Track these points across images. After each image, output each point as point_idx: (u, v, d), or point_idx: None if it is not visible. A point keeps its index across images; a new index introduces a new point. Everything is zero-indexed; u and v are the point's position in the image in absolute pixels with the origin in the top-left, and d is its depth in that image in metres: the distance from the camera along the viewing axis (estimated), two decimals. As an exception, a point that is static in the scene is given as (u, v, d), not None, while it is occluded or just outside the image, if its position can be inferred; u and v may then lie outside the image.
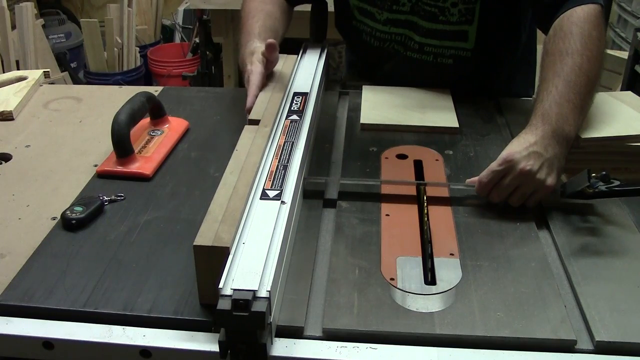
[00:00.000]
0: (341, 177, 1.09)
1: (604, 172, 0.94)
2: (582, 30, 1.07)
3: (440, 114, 1.29)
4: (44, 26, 3.40)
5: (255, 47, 1.19)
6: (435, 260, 0.88)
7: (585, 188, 0.94)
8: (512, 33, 1.37)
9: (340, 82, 1.48)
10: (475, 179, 1.00)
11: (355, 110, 1.32)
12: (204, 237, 0.77)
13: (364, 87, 1.40)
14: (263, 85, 1.16)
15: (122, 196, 1.03)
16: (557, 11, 1.13)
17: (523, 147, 0.97)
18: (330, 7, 1.53)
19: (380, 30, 1.37)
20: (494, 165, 0.98)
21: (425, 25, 1.31)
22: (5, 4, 3.13)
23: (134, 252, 0.90)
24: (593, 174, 0.94)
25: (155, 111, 1.23)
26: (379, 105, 1.32)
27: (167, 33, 4.19)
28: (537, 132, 0.98)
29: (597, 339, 0.75)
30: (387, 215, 0.98)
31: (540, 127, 0.99)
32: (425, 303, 0.80)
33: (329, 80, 1.48)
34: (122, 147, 1.09)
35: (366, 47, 1.43)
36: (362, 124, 1.26)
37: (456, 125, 1.25)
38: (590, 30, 1.07)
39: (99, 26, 3.57)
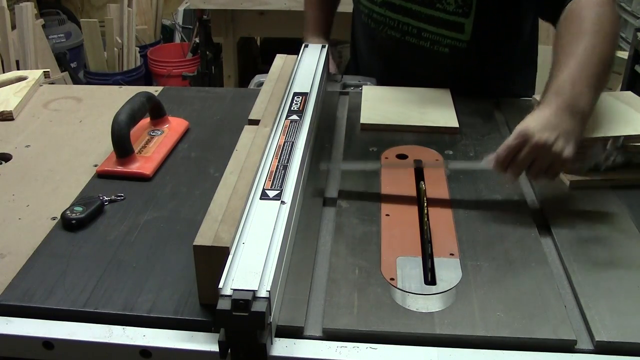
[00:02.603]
0: (341, 178, 1.09)
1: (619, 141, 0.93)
2: (593, 13, 1.05)
3: (440, 113, 1.29)
4: (44, 26, 3.40)
5: None
6: (435, 260, 0.88)
7: (603, 159, 0.93)
8: (511, 30, 1.37)
9: (340, 82, 1.48)
10: (492, 156, 0.98)
11: (355, 110, 1.32)
12: (204, 237, 0.77)
13: (364, 87, 1.40)
14: None
15: (122, 196, 1.03)
16: (564, 2, 1.12)
17: (538, 121, 0.95)
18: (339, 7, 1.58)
19: (377, 12, 1.39)
20: (509, 140, 0.95)
21: (423, 10, 1.32)
22: (5, 4, 3.13)
23: (134, 252, 0.90)
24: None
25: (155, 111, 1.23)
26: (379, 105, 1.32)
27: (167, 33, 4.19)
28: (551, 106, 0.96)
29: (597, 339, 0.75)
30: (387, 215, 0.98)
31: (554, 101, 0.97)
32: (425, 303, 0.80)
33: (329, 80, 1.48)
34: (122, 147, 1.09)
35: (366, 29, 1.44)
36: (362, 124, 1.26)
37: (456, 125, 1.25)
38: (602, 12, 1.05)
39: (99, 26, 3.57)
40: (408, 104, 1.32)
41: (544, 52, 1.38)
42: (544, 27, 1.42)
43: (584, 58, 1.00)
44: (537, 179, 0.97)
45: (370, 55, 1.50)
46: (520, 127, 0.95)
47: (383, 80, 1.46)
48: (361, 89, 1.40)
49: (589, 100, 0.98)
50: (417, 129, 1.24)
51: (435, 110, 1.30)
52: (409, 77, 1.40)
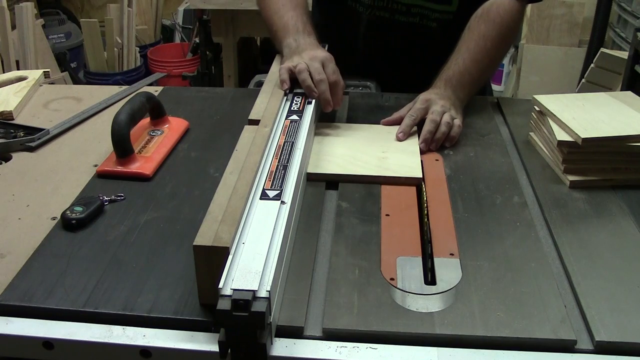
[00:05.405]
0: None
1: None
2: (502, 21, 1.28)
3: (402, 158, 1.12)
4: (44, 26, 3.40)
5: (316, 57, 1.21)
6: (435, 260, 0.88)
7: None
8: None
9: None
10: (393, 118, 1.23)
11: (356, 110, 1.32)
12: (204, 237, 0.77)
13: (318, 124, 1.23)
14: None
15: (122, 196, 1.03)
16: None
17: (434, 94, 1.23)
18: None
19: None
20: (417, 105, 1.20)
21: None
22: (5, 4, 3.13)
23: (134, 252, 0.90)
24: None
25: (155, 111, 1.23)
26: (333, 148, 1.15)
27: (167, 33, 4.20)
28: (442, 88, 1.25)
29: (597, 339, 0.75)
30: (387, 215, 0.98)
31: (443, 86, 1.25)
32: (425, 303, 0.80)
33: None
34: (122, 147, 1.09)
35: (353, 15, 1.45)
36: (309, 174, 1.07)
37: (419, 175, 1.07)
38: (510, 22, 1.29)
39: (99, 26, 3.57)
40: (366, 147, 1.15)
41: (538, 51, 1.38)
42: (544, 26, 1.42)
43: (479, 57, 1.26)
44: (437, 143, 1.17)
45: (354, 41, 1.50)
46: (423, 96, 1.22)
47: (368, 66, 1.49)
48: (363, 88, 1.39)
49: (467, 93, 1.27)
50: (371, 180, 1.06)
51: (397, 155, 1.13)
52: (396, 57, 1.46)
